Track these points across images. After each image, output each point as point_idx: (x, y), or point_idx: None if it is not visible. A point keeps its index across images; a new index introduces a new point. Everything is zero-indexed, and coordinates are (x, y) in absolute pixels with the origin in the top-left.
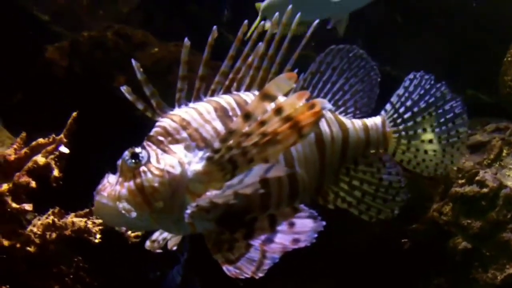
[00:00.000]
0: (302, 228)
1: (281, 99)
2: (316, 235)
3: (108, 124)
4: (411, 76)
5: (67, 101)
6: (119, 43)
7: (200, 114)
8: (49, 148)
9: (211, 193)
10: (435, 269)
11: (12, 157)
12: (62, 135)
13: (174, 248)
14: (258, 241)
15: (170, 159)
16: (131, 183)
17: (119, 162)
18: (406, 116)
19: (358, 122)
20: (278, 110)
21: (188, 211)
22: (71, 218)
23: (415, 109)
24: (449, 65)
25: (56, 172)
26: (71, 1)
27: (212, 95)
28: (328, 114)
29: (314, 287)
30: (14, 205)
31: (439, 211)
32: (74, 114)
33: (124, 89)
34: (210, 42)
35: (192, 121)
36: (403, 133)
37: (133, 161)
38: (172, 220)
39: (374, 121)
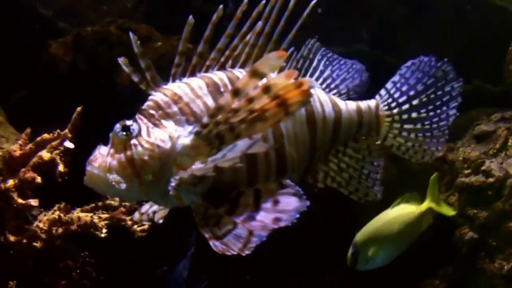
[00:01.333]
0: (286, 207)
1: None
2: (298, 216)
3: (112, 119)
4: (408, 63)
5: (71, 96)
6: (123, 38)
7: (192, 89)
8: (54, 143)
9: (194, 166)
10: (442, 260)
11: (17, 153)
12: (66, 130)
13: (160, 221)
14: (241, 218)
15: (160, 133)
16: (122, 155)
17: (111, 134)
18: (401, 100)
19: (351, 104)
20: (266, 88)
21: (172, 184)
22: (77, 213)
23: (411, 93)
24: (456, 55)
25: (61, 167)
26: None
27: (206, 71)
28: (322, 95)
29: (325, 280)
30: (20, 201)
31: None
32: (79, 109)
33: (121, 60)
34: (214, 21)
35: (184, 95)
36: (396, 117)
37: (124, 133)
38: (159, 192)
39: (368, 104)
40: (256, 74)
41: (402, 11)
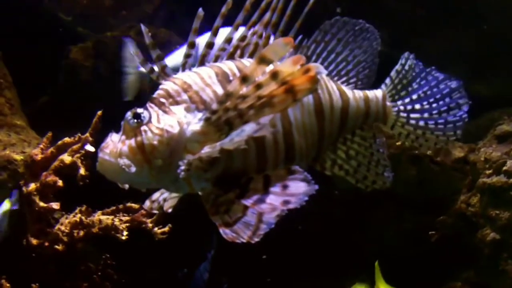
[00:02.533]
0: (295, 190)
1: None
2: (306, 198)
3: None
4: (405, 55)
5: (91, 100)
6: (142, 43)
7: (202, 78)
8: (75, 147)
9: (203, 150)
10: (464, 262)
11: (39, 157)
12: (87, 134)
13: (170, 210)
14: (250, 201)
15: (170, 119)
16: (132, 141)
17: (122, 122)
18: (402, 93)
19: (359, 93)
20: (274, 74)
21: (182, 167)
22: (98, 216)
23: (409, 89)
24: (476, 57)
25: (82, 171)
26: (94, 2)
27: (216, 61)
28: (330, 84)
29: (347, 282)
30: (42, 204)
31: (466, 203)
32: (99, 113)
33: (132, 52)
34: (223, 12)
35: (193, 84)
36: (401, 107)
37: (135, 120)
38: (170, 178)
39: (375, 94)
40: (264, 61)
41: (422, 14)
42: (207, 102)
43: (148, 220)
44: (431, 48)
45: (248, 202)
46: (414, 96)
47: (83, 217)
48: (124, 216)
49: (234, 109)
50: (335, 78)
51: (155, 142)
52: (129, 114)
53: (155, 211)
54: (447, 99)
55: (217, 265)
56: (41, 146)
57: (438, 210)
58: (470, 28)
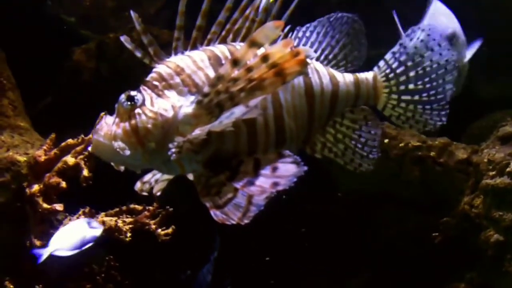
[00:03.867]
0: (284, 172)
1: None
2: (295, 180)
3: None
4: (409, 31)
5: (94, 102)
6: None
7: (194, 61)
8: (78, 148)
9: (193, 133)
10: (467, 263)
11: (42, 158)
12: (91, 136)
13: (158, 193)
14: (240, 183)
15: (163, 102)
16: (127, 124)
17: (116, 104)
18: (398, 70)
19: (349, 76)
20: (264, 57)
21: (172, 149)
22: (101, 217)
23: (409, 63)
24: (478, 58)
25: (85, 172)
26: (96, 4)
27: (208, 45)
28: (320, 67)
29: (352, 281)
30: (45, 205)
31: (470, 204)
32: (102, 114)
33: (123, 38)
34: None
35: (186, 67)
36: (394, 88)
37: (129, 103)
38: (162, 160)
39: (366, 76)
40: (255, 44)
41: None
42: (199, 85)
43: (152, 222)
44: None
45: (238, 184)
46: (412, 73)
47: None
48: (127, 217)
49: (225, 92)
50: (325, 63)
51: (149, 126)
52: (122, 97)
53: (145, 193)
54: (440, 81)
55: (220, 267)
56: (45, 147)
57: (442, 211)
58: (473, 29)
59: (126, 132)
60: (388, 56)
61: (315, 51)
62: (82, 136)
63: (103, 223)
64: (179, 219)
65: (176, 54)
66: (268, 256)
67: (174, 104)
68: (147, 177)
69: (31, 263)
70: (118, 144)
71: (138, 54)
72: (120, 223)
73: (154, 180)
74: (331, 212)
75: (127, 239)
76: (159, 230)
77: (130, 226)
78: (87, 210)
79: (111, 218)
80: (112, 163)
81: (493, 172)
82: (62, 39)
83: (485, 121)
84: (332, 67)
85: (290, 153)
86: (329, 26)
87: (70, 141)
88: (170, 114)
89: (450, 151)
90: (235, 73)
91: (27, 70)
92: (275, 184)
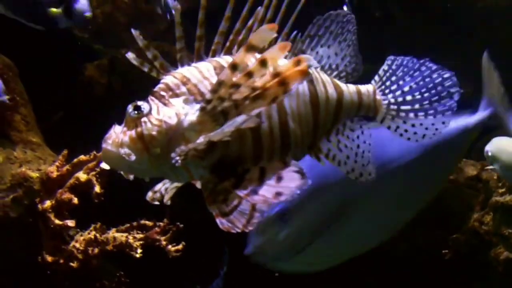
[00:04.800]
0: (288, 183)
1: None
2: (298, 191)
3: None
4: (391, 57)
5: (107, 117)
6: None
7: (200, 71)
8: (90, 164)
9: (198, 140)
10: (477, 280)
11: (55, 174)
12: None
13: (169, 202)
14: (244, 191)
15: (168, 111)
16: (133, 132)
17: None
18: (393, 87)
19: (352, 86)
20: (262, 61)
21: (175, 156)
22: (112, 233)
23: (400, 82)
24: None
25: (97, 188)
26: (109, 19)
27: (213, 56)
28: (325, 76)
29: None
30: (57, 221)
31: (479, 221)
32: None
33: (129, 55)
34: (203, 4)
35: (192, 77)
36: (392, 100)
37: (136, 112)
38: (169, 166)
39: (367, 88)
40: (252, 48)
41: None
42: (205, 94)
43: (162, 238)
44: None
45: (241, 193)
46: (406, 88)
47: (97, 234)
48: (138, 233)
49: (229, 99)
50: (328, 72)
51: (154, 132)
52: (130, 107)
53: (157, 202)
54: (439, 88)
55: (230, 281)
56: (57, 163)
57: (451, 227)
58: (479, 37)
59: (132, 139)
60: (381, 72)
61: (323, 57)
62: (94, 152)
63: (114, 239)
64: (189, 234)
65: (182, 65)
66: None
67: (178, 112)
68: (158, 187)
69: (43, 279)
70: (124, 150)
71: (145, 69)
72: (131, 239)
73: (164, 189)
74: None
75: (138, 255)
76: (170, 246)
77: (141, 242)
78: (98, 225)
79: (122, 233)
80: (121, 171)
81: (503, 190)
82: (75, 54)
83: (494, 136)
84: (334, 77)
85: (296, 163)
86: (340, 28)
87: (82, 157)
88: (174, 121)
89: (460, 168)
90: (235, 78)
91: (38, 85)
92: (278, 194)
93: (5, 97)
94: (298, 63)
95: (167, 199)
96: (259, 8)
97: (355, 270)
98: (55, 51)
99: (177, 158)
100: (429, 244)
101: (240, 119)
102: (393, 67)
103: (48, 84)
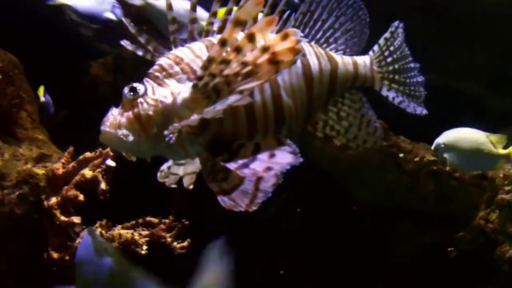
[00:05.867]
0: (280, 160)
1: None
2: (288, 167)
3: None
4: (395, 23)
5: None
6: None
7: (193, 51)
8: (96, 161)
9: (192, 117)
10: (483, 278)
11: (60, 171)
12: (108, 149)
13: (191, 187)
14: (235, 165)
15: (163, 90)
16: (130, 113)
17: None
18: (388, 60)
19: (347, 58)
20: (250, 35)
21: (170, 133)
22: (118, 230)
23: (395, 56)
24: (490, 71)
25: (103, 185)
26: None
27: (206, 36)
28: (318, 49)
29: None
30: (63, 218)
31: (485, 219)
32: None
33: (123, 42)
34: None
35: (185, 57)
36: (386, 74)
37: (131, 93)
38: (166, 144)
39: (363, 59)
40: (238, 23)
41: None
42: (197, 72)
43: (168, 235)
44: (445, 62)
45: (232, 166)
46: (396, 66)
47: (103, 231)
48: (143, 230)
49: (219, 75)
50: (324, 46)
51: (150, 112)
52: (126, 89)
53: (174, 185)
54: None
55: (235, 279)
56: (63, 160)
57: (457, 225)
58: (485, 42)
59: (129, 120)
60: (381, 41)
61: (318, 31)
62: (100, 149)
63: (120, 235)
64: (194, 232)
65: (176, 46)
66: (282, 269)
67: (173, 91)
68: (163, 167)
69: (49, 275)
70: (122, 131)
71: (140, 52)
72: (136, 236)
73: (166, 167)
74: (346, 225)
75: (143, 252)
76: (175, 243)
77: (146, 239)
78: (103, 222)
79: (128, 230)
80: (122, 152)
81: (509, 187)
82: (80, 53)
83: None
84: (331, 50)
85: (290, 142)
86: (335, 3)
87: (88, 154)
88: (169, 100)
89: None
90: (225, 53)
91: (44, 83)
92: (268, 168)
93: None
94: (285, 36)
95: (187, 185)
96: None
97: (361, 271)
98: (60, 49)
99: (171, 135)
100: (434, 243)
101: (233, 97)
102: (395, 35)
103: (53, 82)
